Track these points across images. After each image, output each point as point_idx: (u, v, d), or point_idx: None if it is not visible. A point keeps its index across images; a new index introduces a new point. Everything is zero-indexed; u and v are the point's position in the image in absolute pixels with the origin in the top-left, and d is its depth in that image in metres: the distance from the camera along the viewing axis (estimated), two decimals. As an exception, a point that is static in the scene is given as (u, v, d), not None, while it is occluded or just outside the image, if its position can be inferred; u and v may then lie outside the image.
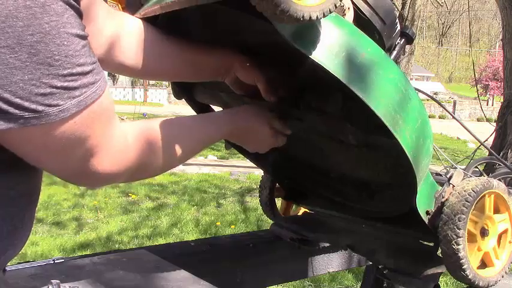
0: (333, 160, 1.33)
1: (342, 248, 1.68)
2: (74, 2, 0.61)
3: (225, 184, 6.38)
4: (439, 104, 1.34)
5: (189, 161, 6.74)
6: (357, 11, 0.96)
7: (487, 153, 2.89)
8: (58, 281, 0.92)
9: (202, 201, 5.49)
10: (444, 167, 1.41)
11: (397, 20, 1.03)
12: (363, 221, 1.38)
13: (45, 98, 0.59)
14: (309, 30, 0.80)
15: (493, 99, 34.62)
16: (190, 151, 0.91)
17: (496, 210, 1.17)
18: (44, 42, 0.57)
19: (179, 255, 1.45)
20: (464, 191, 1.09)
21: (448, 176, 1.15)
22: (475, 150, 2.04)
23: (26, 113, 0.59)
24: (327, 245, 1.67)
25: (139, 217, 4.85)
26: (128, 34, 0.95)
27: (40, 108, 0.59)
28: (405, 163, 0.94)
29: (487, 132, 2.59)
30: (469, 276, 1.09)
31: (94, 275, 1.18)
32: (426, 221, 1.09)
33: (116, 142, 0.72)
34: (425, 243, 1.32)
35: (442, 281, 2.92)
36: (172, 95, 2.46)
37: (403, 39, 1.08)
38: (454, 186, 1.12)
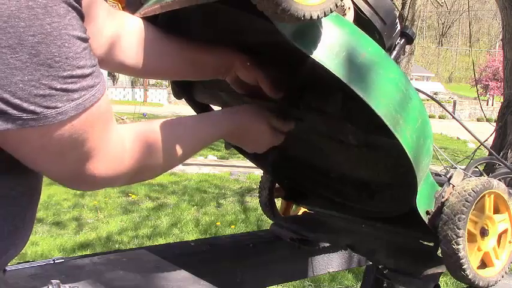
0: (333, 160, 1.33)
1: (342, 248, 1.68)
2: (76, 4, 0.60)
3: (225, 184, 6.38)
4: (439, 104, 1.33)
5: (189, 161, 6.77)
6: (358, 10, 0.96)
7: (487, 153, 2.88)
8: (58, 281, 0.92)
9: (202, 201, 5.49)
10: (444, 167, 1.41)
11: (397, 20, 1.03)
12: (363, 221, 1.38)
13: (44, 99, 0.59)
14: (309, 29, 0.80)
15: (493, 99, 34.62)
16: (190, 150, 0.91)
17: (496, 210, 1.17)
18: (45, 43, 0.57)
19: (179, 255, 1.45)
20: (464, 191, 1.09)
21: (448, 176, 1.15)
22: (475, 150, 2.04)
23: (25, 114, 0.58)
24: (327, 245, 1.67)
25: (139, 217, 4.85)
26: (128, 33, 0.95)
27: (38, 110, 0.59)
28: (405, 163, 0.94)
29: (487, 132, 2.59)
30: (469, 276, 1.09)
31: (94, 275, 1.18)
32: (426, 221, 1.09)
33: (113, 147, 0.71)
34: (425, 243, 1.32)
35: (442, 281, 2.92)
36: (172, 95, 2.46)
37: (403, 39, 1.08)
38: (454, 186, 1.12)
